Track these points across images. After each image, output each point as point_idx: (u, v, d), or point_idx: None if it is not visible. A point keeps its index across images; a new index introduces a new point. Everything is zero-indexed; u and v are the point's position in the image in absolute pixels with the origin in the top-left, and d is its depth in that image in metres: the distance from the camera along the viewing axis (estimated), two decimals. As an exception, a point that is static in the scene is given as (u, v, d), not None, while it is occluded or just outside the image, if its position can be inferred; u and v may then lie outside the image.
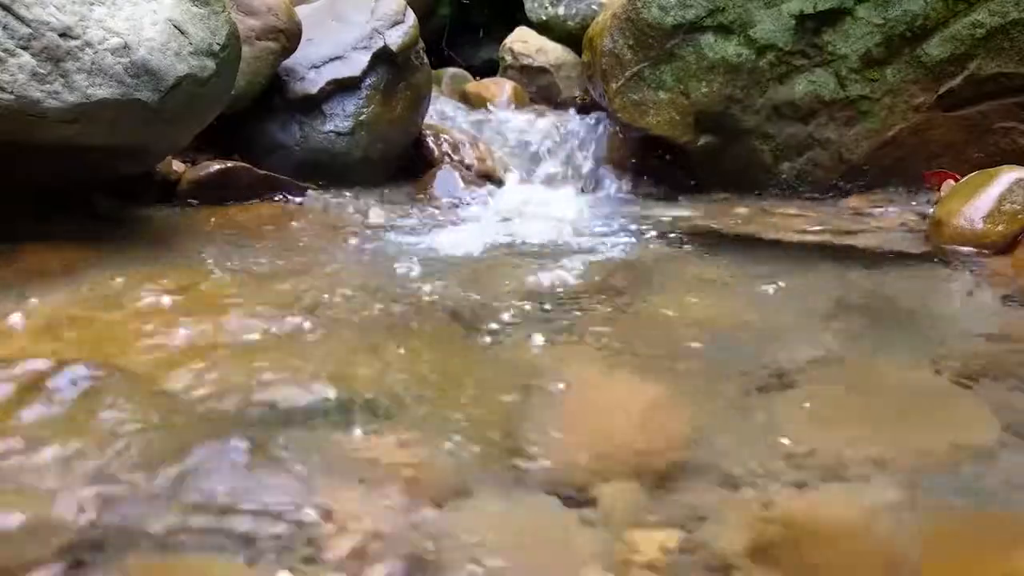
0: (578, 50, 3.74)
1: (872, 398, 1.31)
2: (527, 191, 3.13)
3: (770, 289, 1.83)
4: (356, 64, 2.95)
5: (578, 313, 1.66)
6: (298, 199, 2.67)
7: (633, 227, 2.51)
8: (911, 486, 1.02)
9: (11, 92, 1.69)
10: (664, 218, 2.64)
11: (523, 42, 4.25)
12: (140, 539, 0.88)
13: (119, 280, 1.68)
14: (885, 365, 1.42)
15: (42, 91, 1.72)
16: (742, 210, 2.77)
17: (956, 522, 0.98)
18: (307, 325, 1.50)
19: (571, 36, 4.10)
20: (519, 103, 3.90)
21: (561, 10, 4.26)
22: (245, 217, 2.35)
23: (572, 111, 3.60)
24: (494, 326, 1.55)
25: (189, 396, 1.20)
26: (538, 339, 1.49)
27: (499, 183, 3.13)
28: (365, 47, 2.98)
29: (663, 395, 1.29)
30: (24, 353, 1.28)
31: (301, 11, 3.01)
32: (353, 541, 0.89)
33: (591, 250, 2.19)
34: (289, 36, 2.86)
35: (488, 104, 3.86)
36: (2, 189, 1.95)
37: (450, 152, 3.22)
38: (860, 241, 2.30)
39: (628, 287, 1.85)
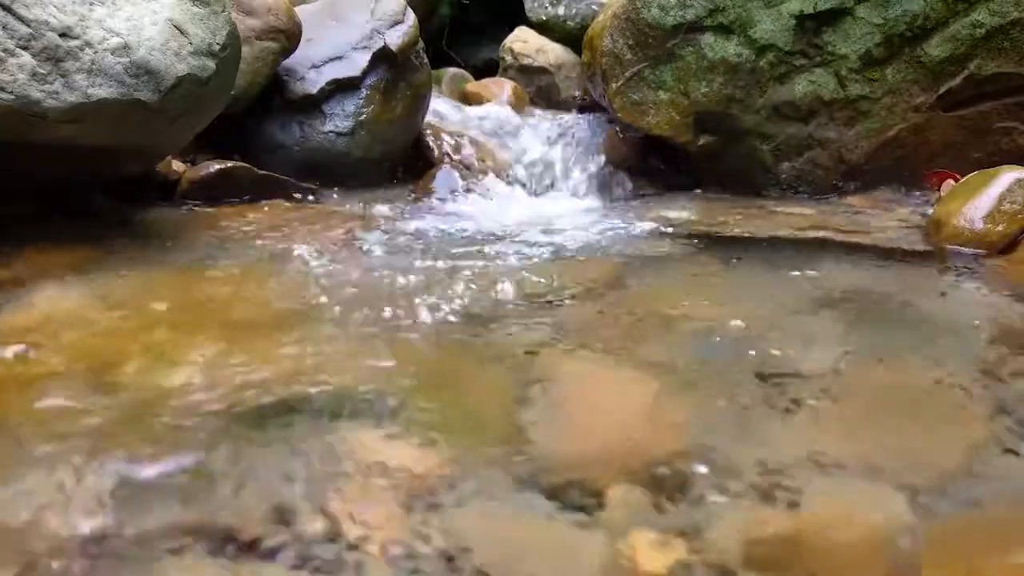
0: (578, 50, 3.74)
1: (872, 397, 1.30)
2: (527, 191, 3.13)
3: (769, 288, 1.82)
4: (356, 64, 2.95)
5: (578, 312, 1.66)
6: (298, 199, 2.67)
7: (633, 227, 2.50)
8: (912, 488, 1.02)
9: (11, 92, 1.69)
10: (664, 217, 2.64)
11: (523, 42, 4.26)
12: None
13: (119, 280, 1.68)
14: (885, 364, 1.42)
15: (42, 91, 1.72)
16: (742, 210, 2.77)
17: (957, 524, 0.98)
18: (306, 322, 1.50)
19: (571, 36, 4.10)
20: (519, 103, 3.91)
21: (561, 10, 4.27)
22: (244, 217, 2.35)
23: (572, 111, 3.60)
24: (492, 325, 1.55)
25: (178, 400, 1.20)
26: (538, 338, 1.49)
27: (499, 183, 3.13)
28: (365, 47, 2.99)
29: (664, 395, 1.29)
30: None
31: (301, 11, 3.01)
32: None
33: (591, 250, 2.19)
34: (289, 36, 2.86)
35: (487, 104, 3.86)
36: (2, 189, 1.95)
37: (450, 152, 3.22)
38: (860, 241, 2.29)
39: (628, 286, 1.85)
